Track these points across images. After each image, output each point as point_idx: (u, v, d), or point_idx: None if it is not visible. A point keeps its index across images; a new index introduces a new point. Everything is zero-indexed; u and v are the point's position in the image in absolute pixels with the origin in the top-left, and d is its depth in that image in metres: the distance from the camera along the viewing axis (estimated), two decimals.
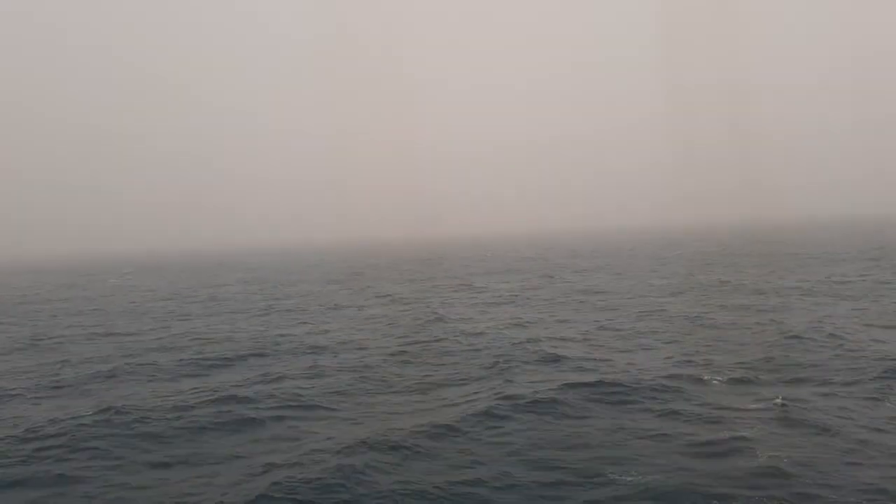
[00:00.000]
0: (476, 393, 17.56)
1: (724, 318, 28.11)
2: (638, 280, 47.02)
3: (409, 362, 22.16)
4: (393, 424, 15.19)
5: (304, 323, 33.02)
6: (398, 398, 17.86)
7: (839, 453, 12.53)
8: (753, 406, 15.44)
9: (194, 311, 41.49)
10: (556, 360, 20.94)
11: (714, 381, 17.82)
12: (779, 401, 15.58)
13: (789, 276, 43.47)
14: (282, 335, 28.89)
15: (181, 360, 23.93)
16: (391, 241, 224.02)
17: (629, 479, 11.84)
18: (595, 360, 21.01)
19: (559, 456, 13.04)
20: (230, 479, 12.62)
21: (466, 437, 14.29)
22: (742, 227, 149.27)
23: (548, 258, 79.11)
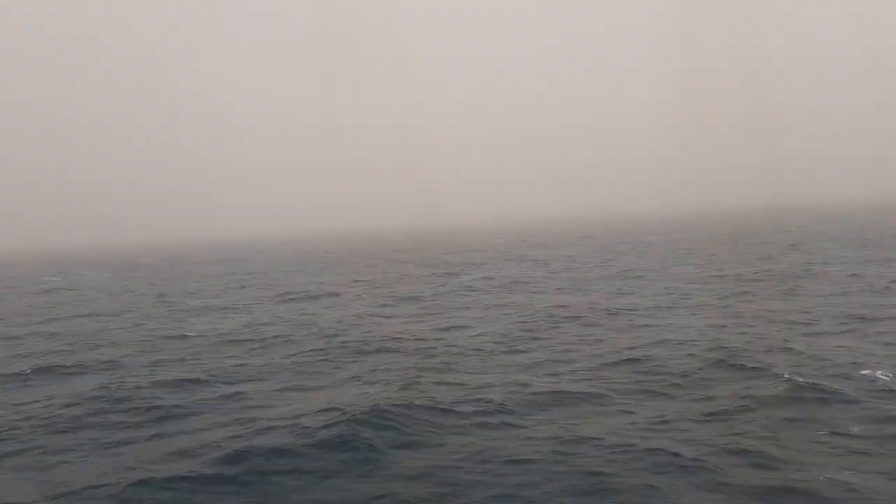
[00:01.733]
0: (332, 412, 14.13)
1: (668, 318, 24.87)
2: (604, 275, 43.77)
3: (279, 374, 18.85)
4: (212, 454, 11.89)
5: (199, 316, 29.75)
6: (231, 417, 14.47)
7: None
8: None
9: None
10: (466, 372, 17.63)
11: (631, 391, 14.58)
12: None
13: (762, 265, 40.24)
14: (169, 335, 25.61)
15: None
16: (385, 231, 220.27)
17: None
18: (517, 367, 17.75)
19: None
20: None
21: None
22: (753, 212, 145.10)
23: (529, 250, 75.72)
